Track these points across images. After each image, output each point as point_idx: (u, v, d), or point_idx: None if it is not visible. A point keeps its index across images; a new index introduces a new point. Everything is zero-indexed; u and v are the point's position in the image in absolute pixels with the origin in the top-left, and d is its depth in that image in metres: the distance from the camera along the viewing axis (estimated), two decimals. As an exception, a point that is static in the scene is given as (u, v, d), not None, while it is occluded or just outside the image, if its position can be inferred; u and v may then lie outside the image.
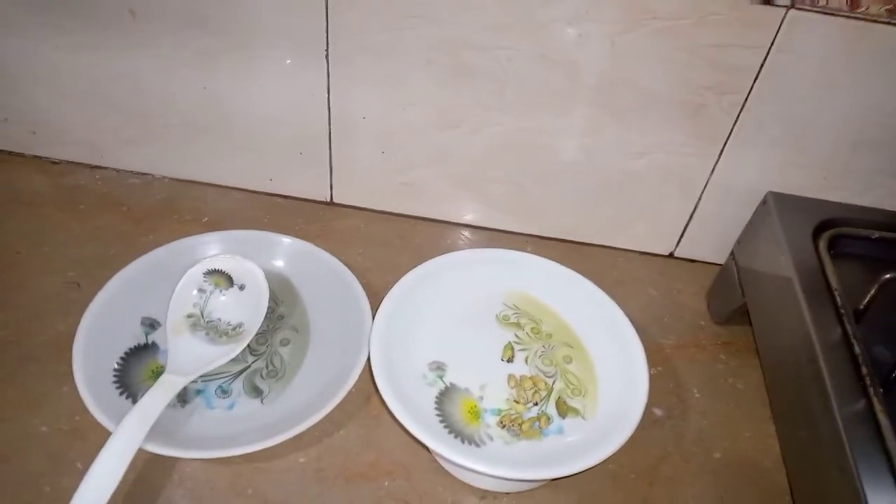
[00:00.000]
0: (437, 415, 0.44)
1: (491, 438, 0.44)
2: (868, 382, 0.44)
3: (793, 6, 0.51)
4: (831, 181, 0.60)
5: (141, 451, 0.47)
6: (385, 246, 0.66)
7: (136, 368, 0.53)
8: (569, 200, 0.66)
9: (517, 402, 0.46)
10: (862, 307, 0.48)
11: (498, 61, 0.57)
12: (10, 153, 0.70)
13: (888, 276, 0.46)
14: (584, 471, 0.42)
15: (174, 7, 0.57)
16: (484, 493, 0.49)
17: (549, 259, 0.55)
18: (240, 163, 0.68)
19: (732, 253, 0.62)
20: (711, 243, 0.67)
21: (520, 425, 0.45)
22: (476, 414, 0.45)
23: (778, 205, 0.56)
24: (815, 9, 0.51)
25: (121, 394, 0.51)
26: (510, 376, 0.48)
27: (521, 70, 0.57)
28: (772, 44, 0.53)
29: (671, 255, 0.69)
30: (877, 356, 0.47)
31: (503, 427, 0.45)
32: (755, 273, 0.57)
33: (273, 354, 0.56)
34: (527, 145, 0.62)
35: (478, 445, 0.43)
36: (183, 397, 0.52)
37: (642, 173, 0.63)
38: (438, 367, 0.48)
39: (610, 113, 0.59)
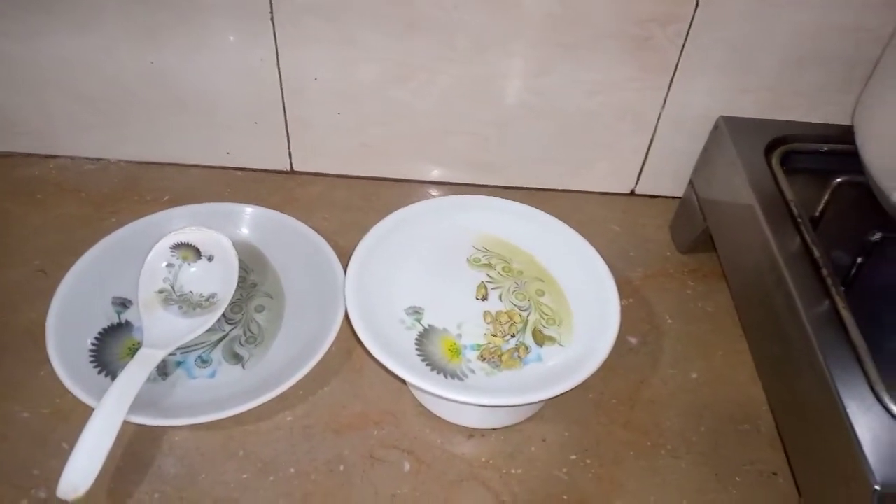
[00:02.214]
0: (419, 355, 0.45)
1: (473, 371, 0.45)
2: (830, 283, 0.46)
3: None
4: (781, 101, 0.62)
5: (127, 425, 0.47)
6: (350, 209, 0.66)
7: (112, 347, 0.53)
8: (529, 147, 0.67)
9: (495, 335, 0.47)
10: (818, 214, 0.50)
11: (444, 9, 0.57)
12: (-43, 150, 0.68)
13: (839, 179, 0.48)
14: (564, 392, 0.44)
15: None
16: (472, 432, 0.50)
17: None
18: (196, 139, 0.67)
19: (691, 182, 0.63)
20: (670, 176, 0.68)
21: (500, 357, 0.46)
22: (456, 351, 0.46)
23: (730, 128, 0.58)
24: (749, -71, 0.52)
25: (99, 372, 0.51)
26: (486, 313, 0.49)
27: (468, 15, 0.57)
28: (710, -31, 0.54)
29: (633, 193, 0.70)
30: (836, 259, 0.48)
31: (483, 360, 0.46)
32: (714, 197, 0.59)
33: (250, 321, 0.56)
34: (481, 92, 0.62)
35: (461, 379, 0.44)
36: (163, 370, 0.52)
37: (597, 112, 0.63)
38: (415, 312, 0.48)
39: (558, 51, 0.59)
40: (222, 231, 0.58)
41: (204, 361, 0.53)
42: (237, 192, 0.67)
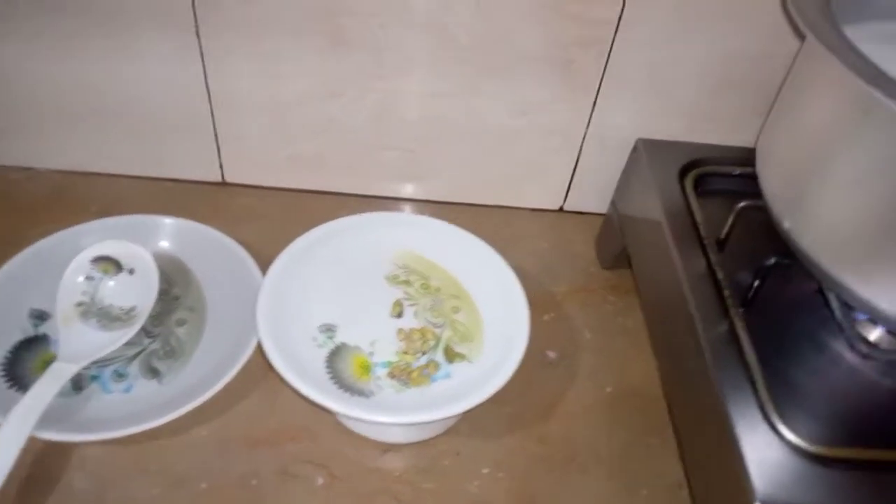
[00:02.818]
0: (328, 372, 0.46)
1: (381, 389, 0.46)
2: (729, 304, 0.48)
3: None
4: (699, 125, 0.64)
5: (37, 440, 0.47)
6: (280, 221, 0.66)
7: (26, 361, 0.53)
8: (459, 163, 0.68)
9: (406, 353, 0.48)
10: (723, 236, 0.52)
11: (371, 28, 0.58)
12: None
13: (742, 204, 0.50)
14: (469, 409, 0.44)
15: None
16: (387, 447, 0.51)
17: (438, 219, 0.57)
18: (125, 149, 0.67)
19: (613, 200, 0.65)
20: (597, 194, 0.70)
21: (409, 374, 0.47)
22: (366, 368, 0.47)
23: (647, 150, 0.59)
24: (663, -41, 0.54)
25: (10, 387, 0.50)
26: (399, 330, 0.50)
27: (394, 36, 0.58)
28: (626, -4, 0.56)
29: (561, 210, 0.72)
30: (741, 280, 0.50)
31: (393, 377, 0.47)
32: (631, 217, 0.60)
33: (169, 335, 0.56)
34: (411, 110, 0.63)
35: (367, 397, 0.45)
36: (77, 384, 0.52)
37: (524, 131, 0.65)
38: (328, 329, 0.49)
39: (486, 73, 0.60)
40: (146, 243, 0.58)
41: (120, 376, 0.53)
42: (166, 203, 0.66)
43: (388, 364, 0.47)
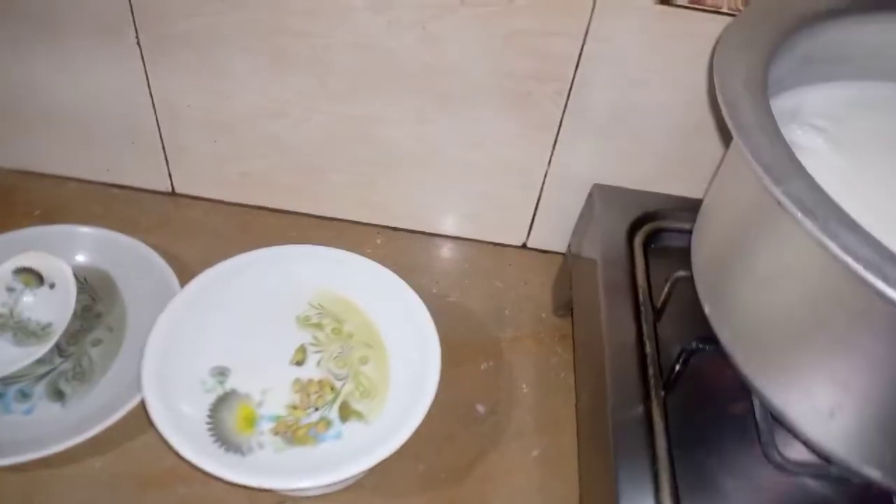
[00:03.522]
0: (208, 422, 0.43)
1: (261, 446, 0.43)
2: (651, 384, 0.43)
3: (601, -8, 0.49)
4: (669, 170, 0.59)
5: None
6: (224, 238, 0.64)
7: (-67, 372, 0.52)
8: (416, 191, 0.64)
9: (296, 407, 0.45)
10: (660, 305, 0.47)
11: (314, 49, 0.54)
12: None
13: (679, 273, 0.45)
14: (347, 478, 0.41)
15: (-29, -7, 0.54)
16: (282, 498, 0.48)
17: (363, 254, 0.53)
18: (75, 153, 0.65)
19: (569, 244, 0.60)
20: (561, 233, 0.65)
21: (294, 432, 0.44)
22: (251, 421, 0.44)
23: (601, 197, 0.55)
24: (624, -6, 0.49)
25: (-90, 400, 0.50)
26: (296, 380, 0.47)
27: (339, 58, 0.55)
28: (587, 30, 0.51)
29: (524, 246, 0.68)
30: (671, 358, 0.46)
31: (277, 434, 0.44)
32: (579, 266, 0.56)
33: (82, 355, 0.54)
34: (361, 134, 0.60)
35: (243, 454, 0.42)
36: (-21, 402, 0.51)
37: (481, 164, 0.61)
38: (221, 373, 0.46)
39: (437, 101, 0.57)
40: (73, 254, 0.57)
41: (24, 395, 0.52)
42: (112, 210, 0.65)
43: (276, 418, 0.45)
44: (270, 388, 0.46)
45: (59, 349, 0.54)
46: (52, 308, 0.55)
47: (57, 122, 0.63)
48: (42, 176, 0.67)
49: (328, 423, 0.45)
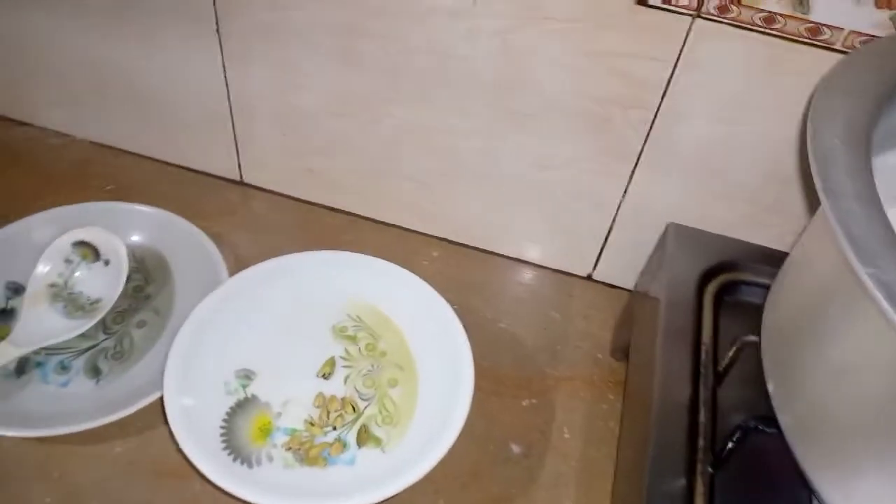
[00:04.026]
0: (222, 427, 0.42)
1: (270, 460, 0.41)
2: (699, 457, 0.39)
3: (698, 15, 0.44)
4: (758, 217, 0.53)
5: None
6: (282, 233, 0.63)
7: (-15, 333, 0.53)
8: (478, 206, 0.61)
9: (314, 424, 0.43)
10: (722, 369, 0.42)
11: (388, 51, 0.52)
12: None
13: (749, 338, 0.40)
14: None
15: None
16: (295, 510, 0.46)
17: (404, 271, 0.51)
18: (153, 133, 0.66)
19: (636, 284, 0.56)
20: (631, 268, 0.61)
21: (307, 450, 0.42)
22: (266, 432, 0.42)
23: (676, 239, 0.50)
24: (725, 20, 0.44)
25: (-41, 357, 0.51)
26: (319, 394, 0.45)
27: (412, 62, 0.52)
28: (679, 56, 0.47)
29: (589, 278, 0.63)
30: (729, 426, 0.41)
31: (289, 450, 0.42)
32: (642, 309, 0.51)
33: (125, 335, 0.54)
34: (427, 142, 0.58)
35: (251, 466, 0.40)
36: (22, 367, 0.51)
37: (551, 186, 0.57)
38: (246, 376, 0.45)
39: (509, 116, 0.54)
40: (134, 234, 0.58)
41: (63, 368, 0.52)
42: (181, 192, 0.65)
43: (291, 432, 0.43)
44: (292, 399, 0.44)
45: (104, 326, 0.54)
46: (104, 284, 0.55)
47: (138, 102, 0.63)
48: (119, 151, 0.68)
49: (343, 446, 0.42)
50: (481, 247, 0.64)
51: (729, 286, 0.48)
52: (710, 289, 0.47)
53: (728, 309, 0.47)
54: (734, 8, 0.44)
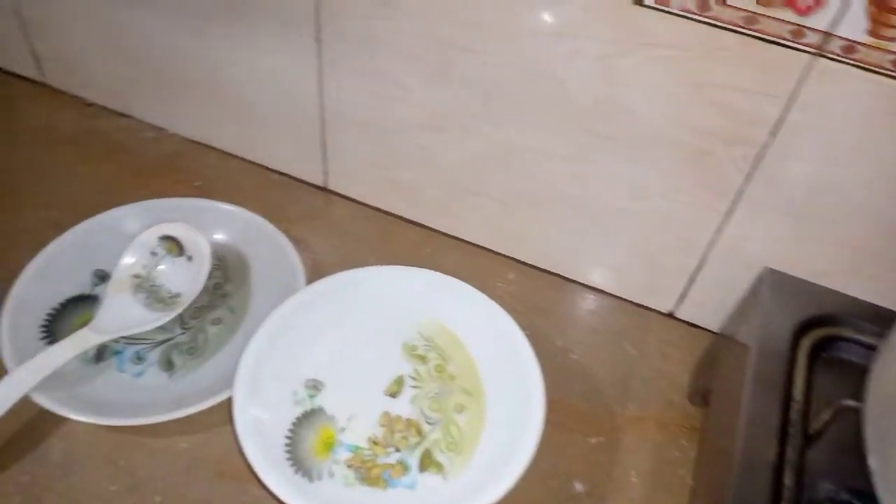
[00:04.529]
0: (287, 436, 0.41)
1: (331, 475, 0.41)
2: (783, 525, 0.36)
3: (820, 54, 0.42)
4: (861, 267, 0.50)
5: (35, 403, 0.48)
6: (362, 242, 0.63)
7: (70, 316, 0.55)
8: (559, 230, 0.60)
9: (377, 443, 0.42)
10: (813, 432, 0.39)
11: (483, 68, 0.51)
12: (56, 90, 0.74)
13: (847, 402, 0.37)
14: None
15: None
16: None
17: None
18: (242, 132, 0.67)
19: (723, 328, 0.53)
20: (718, 309, 0.58)
21: (369, 469, 0.41)
22: (329, 446, 0.42)
23: (772, 285, 0.47)
24: (849, 61, 0.41)
25: (42, 338, 0.52)
26: (385, 413, 0.44)
27: (507, 81, 0.51)
28: (794, 95, 0.44)
29: (671, 315, 0.61)
30: (817, 493, 0.38)
31: (350, 467, 0.41)
32: (728, 356, 0.49)
33: (200, 331, 0.55)
34: (514, 163, 0.56)
35: (311, 480, 0.40)
36: (100, 354, 0.53)
37: (639, 216, 0.55)
38: (314, 386, 0.44)
39: (602, 142, 0.52)
40: (219, 232, 0.59)
41: (139, 358, 0.53)
42: (265, 194, 0.66)
43: (354, 449, 0.42)
44: (357, 415, 0.43)
45: (181, 320, 0.55)
46: (185, 279, 0.56)
47: (231, 100, 0.65)
48: (209, 148, 0.70)
49: (405, 469, 0.41)
50: (559, 272, 0.62)
51: (826, 341, 0.45)
52: (806, 342, 0.44)
53: (823, 365, 0.44)
54: (862, 49, 0.41)
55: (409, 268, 0.50)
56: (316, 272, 0.58)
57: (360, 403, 0.44)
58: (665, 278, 0.59)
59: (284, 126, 0.64)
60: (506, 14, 0.48)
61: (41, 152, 0.68)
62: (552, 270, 0.63)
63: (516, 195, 0.59)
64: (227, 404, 0.48)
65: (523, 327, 0.51)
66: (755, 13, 0.42)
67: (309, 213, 0.66)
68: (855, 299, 0.47)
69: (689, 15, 0.43)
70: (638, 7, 0.44)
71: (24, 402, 0.46)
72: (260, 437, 0.40)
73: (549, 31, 0.47)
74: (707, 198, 0.52)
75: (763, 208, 0.50)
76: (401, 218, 0.66)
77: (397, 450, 0.42)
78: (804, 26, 0.41)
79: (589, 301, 0.61)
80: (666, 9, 0.43)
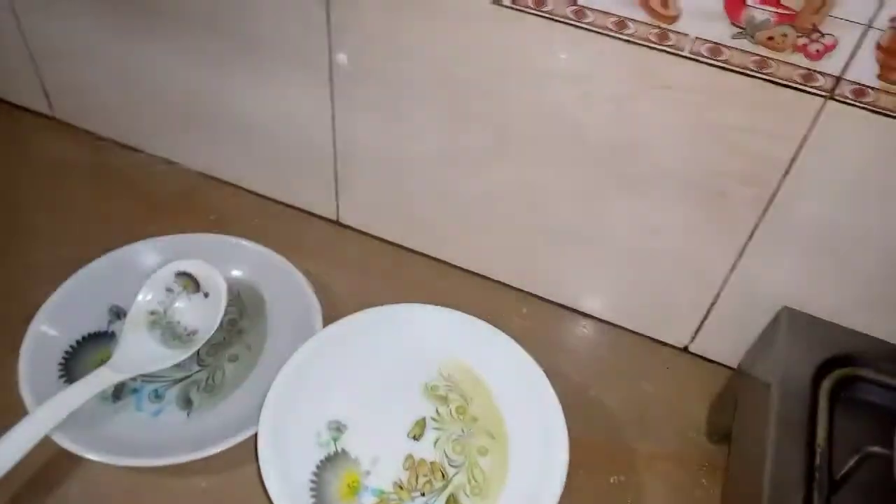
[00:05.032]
0: (312, 480, 0.41)
1: (358, 521, 0.41)
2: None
3: (831, 97, 0.42)
4: (877, 307, 0.50)
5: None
6: (375, 277, 0.63)
7: (87, 354, 0.55)
8: (574, 266, 0.60)
9: (402, 487, 0.42)
10: (839, 477, 0.39)
11: (497, 109, 0.52)
12: (67, 124, 0.74)
13: (873, 449, 0.37)
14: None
15: (192, 7, 0.57)
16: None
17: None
18: (255, 167, 0.68)
19: (740, 364, 0.53)
20: (732, 345, 0.58)
21: (394, 514, 0.41)
22: (354, 490, 0.42)
23: (790, 324, 0.48)
24: (860, 104, 0.42)
25: (60, 376, 0.52)
26: (408, 456, 0.44)
27: (521, 121, 0.52)
28: (805, 137, 0.44)
29: (685, 349, 0.61)
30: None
31: (376, 512, 0.41)
32: (748, 394, 0.49)
33: (217, 369, 0.55)
34: (528, 199, 0.57)
35: (337, 526, 0.40)
36: (118, 392, 0.53)
37: (654, 253, 0.55)
38: (337, 428, 0.44)
39: (617, 181, 0.52)
40: (233, 268, 0.59)
41: (157, 397, 0.53)
42: (278, 227, 0.67)
43: (379, 493, 0.42)
44: (381, 457, 0.43)
45: (198, 357, 0.55)
46: (202, 316, 0.56)
47: (244, 135, 0.65)
48: (222, 182, 0.70)
49: (431, 513, 0.41)
50: (573, 306, 0.63)
51: (846, 382, 0.45)
52: (826, 384, 0.44)
53: (844, 406, 0.44)
54: (871, 93, 0.41)
55: (427, 306, 0.50)
56: (330, 306, 0.58)
57: (383, 446, 0.44)
58: (680, 313, 0.59)
59: (298, 161, 0.64)
60: (523, 61, 0.49)
61: (53, 188, 0.69)
62: (567, 304, 0.63)
63: (531, 230, 0.59)
64: (247, 442, 0.48)
65: (539, 363, 0.51)
66: (766, 58, 0.42)
67: (322, 246, 0.66)
68: (873, 338, 0.47)
69: (702, 59, 0.44)
70: (650, 50, 0.44)
71: (43, 442, 0.46)
72: (285, 481, 0.40)
73: (565, 74, 0.48)
74: (721, 236, 0.52)
75: (777, 247, 0.51)
76: (414, 252, 0.66)
77: (422, 494, 0.42)
78: (815, 70, 0.42)
79: (603, 335, 0.62)
80: (680, 53, 0.44)
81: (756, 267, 0.52)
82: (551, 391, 0.46)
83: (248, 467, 0.50)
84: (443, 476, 0.43)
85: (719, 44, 0.43)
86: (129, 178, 0.70)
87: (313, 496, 0.41)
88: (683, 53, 0.44)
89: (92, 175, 0.70)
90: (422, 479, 0.42)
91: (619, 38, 0.45)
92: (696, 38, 0.43)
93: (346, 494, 0.42)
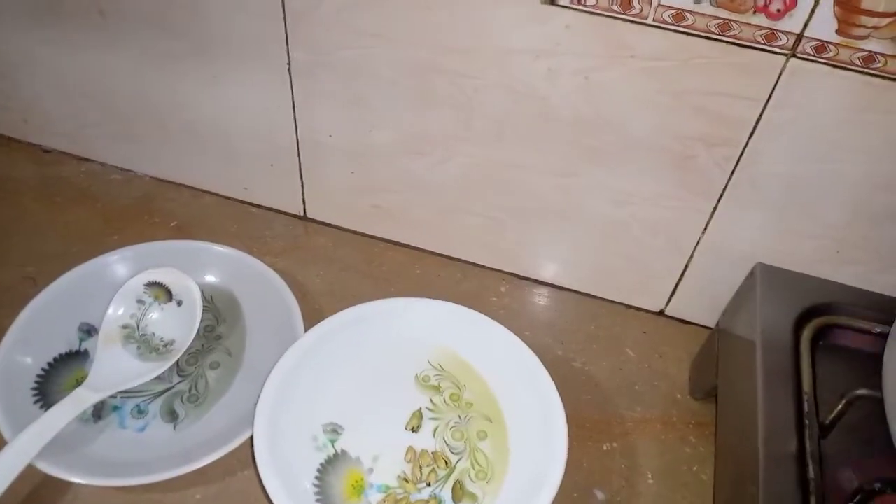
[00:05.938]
0: (315, 485, 0.41)
1: (367, 518, 0.40)
2: (812, 518, 0.37)
3: (793, 55, 0.43)
4: (845, 255, 0.52)
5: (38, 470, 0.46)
6: (349, 270, 0.63)
7: (61, 376, 0.53)
8: (549, 242, 0.60)
9: (407, 480, 0.42)
10: (828, 422, 0.41)
11: (463, 90, 0.52)
12: (8, 138, 0.71)
13: (860, 391, 0.39)
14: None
15: (139, 8, 0.55)
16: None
17: (479, 314, 0.49)
18: (214, 168, 0.66)
19: (719, 322, 0.54)
20: (707, 305, 0.59)
21: (402, 507, 0.41)
22: (359, 489, 0.41)
23: (765, 280, 0.49)
24: (821, 60, 0.43)
25: (36, 401, 0.51)
26: (409, 449, 0.44)
27: (488, 101, 0.52)
28: (769, 96, 0.45)
29: (661, 313, 0.62)
30: (838, 482, 0.39)
31: (384, 506, 0.41)
32: (729, 352, 0.50)
33: (199, 378, 0.54)
34: (501, 179, 0.57)
35: (347, 525, 0.40)
36: (99, 411, 0.51)
37: (627, 222, 0.56)
38: (334, 430, 0.44)
39: (587, 154, 0.53)
40: (202, 274, 0.57)
41: (140, 412, 0.52)
42: (244, 228, 0.65)
43: (385, 489, 0.42)
44: (382, 454, 0.43)
45: (178, 368, 0.54)
46: (177, 326, 0.55)
47: (200, 137, 0.63)
48: (181, 187, 0.68)
49: (439, 503, 0.41)
50: (550, 281, 0.63)
51: (825, 330, 0.46)
52: (806, 333, 0.46)
53: (824, 354, 0.46)
54: (832, 48, 0.43)
55: (410, 299, 0.50)
56: (307, 303, 0.58)
57: (382, 442, 0.44)
58: (655, 279, 0.60)
59: (260, 158, 0.63)
60: (486, 38, 0.48)
61: (2, 206, 0.66)
62: (544, 280, 0.63)
63: (503, 210, 0.59)
64: (238, 450, 0.47)
65: (522, 339, 0.52)
66: (729, 20, 0.43)
67: (291, 244, 0.65)
68: (845, 286, 0.49)
69: (666, 26, 0.44)
70: (614, 21, 0.45)
71: (27, 471, 0.44)
72: (289, 490, 0.39)
73: (530, 50, 0.48)
74: (692, 199, 0.53)
75: (747, 205, 0.52)
76: (385, 240, 0.65)
77: (428, 485, 0.42)
78: (776, 30, 0.43)
79: (582, 307, 0.62)
80: (644, 21, 0.44)
81: (728, 226, 0.54)
82: (542, 367, 0.46)
83: (242, 475, 0.49)
84: (446, 464, 0.43)
85: (682, 9, 0.43)
86: (82, 189, 0.67)
87: (319, 502, 0.40)
88: (647, 22, 0.44)
89: (43, 189, 0.67)
90: (426, 470, 0.42)
91: (583, 11, 0.45)
92: (660, 4, 0.43)
93: (352, 495, 0.41)
